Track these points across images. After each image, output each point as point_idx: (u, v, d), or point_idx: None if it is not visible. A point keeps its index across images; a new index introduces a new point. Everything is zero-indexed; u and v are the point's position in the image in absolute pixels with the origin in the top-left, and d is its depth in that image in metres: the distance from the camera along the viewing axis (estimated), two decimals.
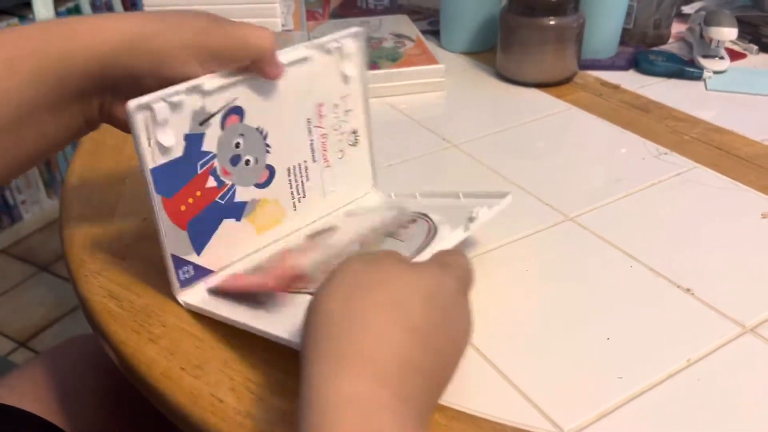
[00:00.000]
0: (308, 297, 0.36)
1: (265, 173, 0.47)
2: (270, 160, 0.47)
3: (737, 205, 0.55)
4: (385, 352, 0.29)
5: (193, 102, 0.41)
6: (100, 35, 0.39)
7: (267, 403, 0.38)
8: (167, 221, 0.42)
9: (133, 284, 0.47)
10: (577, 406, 0.37)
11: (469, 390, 0.39)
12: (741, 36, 0.83)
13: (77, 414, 0.56)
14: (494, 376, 0.39)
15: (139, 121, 0.39)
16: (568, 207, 0.54)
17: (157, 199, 0.41)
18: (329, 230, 0.50)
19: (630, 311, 0.44)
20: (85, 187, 0.59)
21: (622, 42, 0.82)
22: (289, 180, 0.48)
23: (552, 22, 0.72)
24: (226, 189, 0.44)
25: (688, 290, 0.46)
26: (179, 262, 0.43)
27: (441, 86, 0.75)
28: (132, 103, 0.38)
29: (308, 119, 0.48)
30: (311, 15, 0.91)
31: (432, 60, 0.76)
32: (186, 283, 0.44)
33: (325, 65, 0.48)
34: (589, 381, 0.39)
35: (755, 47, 0.84)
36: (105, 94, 0.41)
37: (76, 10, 1.91)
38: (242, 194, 0.45)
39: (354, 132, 0.52)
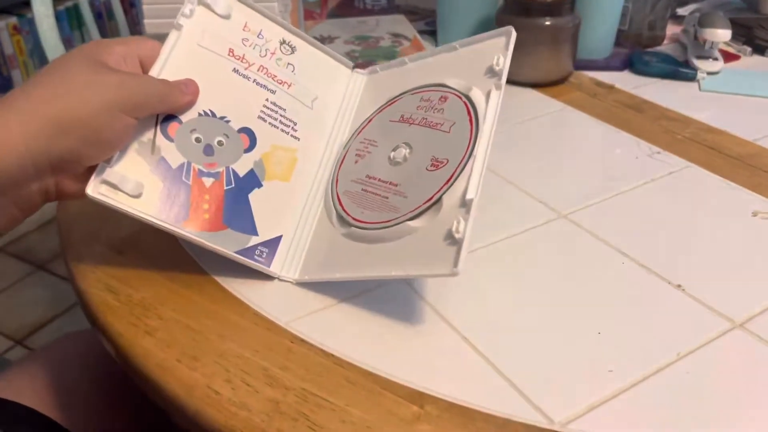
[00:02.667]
0: (406, 225, 0.42)
1: (244, 137, 0.47)
2: (237, 124, 0.47)
3: (728, 204, 0.55)
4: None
5: (130, 146, 0.44)
6: (14, 128, 0.39)
7: (262, 395, 0.38)
8: (206, 234, 0.44)
9: (131, 278, 0.47)
10: (568, 398, 0.38)
11: (461, 382, 0.39)
12: (735, 38, 0.83)
13: (74, 408, 0.56)
14: (486, 368, 0.40)
15: (106, 196, 0.42)
16: (561, 205, 0.55)
17: (181, 229, 0.44)
18: (358, 139, 0.51)
19: (621, 306, 0.45)
20: None
21: (617, 43, 0.83)
22: (269, 124, 0.49)
23: (547, 23, 0.73)
24: (224, 175, 0.46)
25: (679, 286, 0.46)
26: (248, 252, 0.45)
27: None
28: (91, 191, 0.42)
29: (233, 69, 0.48)
30: (309, 14, 0.91)
31: None
32: (268, 260, 0.46)
33: (202, 23, 0.48)
34: (580, 374, 0.40)
35: (749, 49, 0.84)
36: (43, 179, 0.41)
37: (75, 10, 1.91)
38: (241, 167, 0.47)
39: (282, 42, 0.51)
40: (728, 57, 0.82)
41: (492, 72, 0.46)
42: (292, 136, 0.49)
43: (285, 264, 0.47)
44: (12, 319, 1.57)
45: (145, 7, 0.65)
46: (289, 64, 0.51)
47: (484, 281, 0.47)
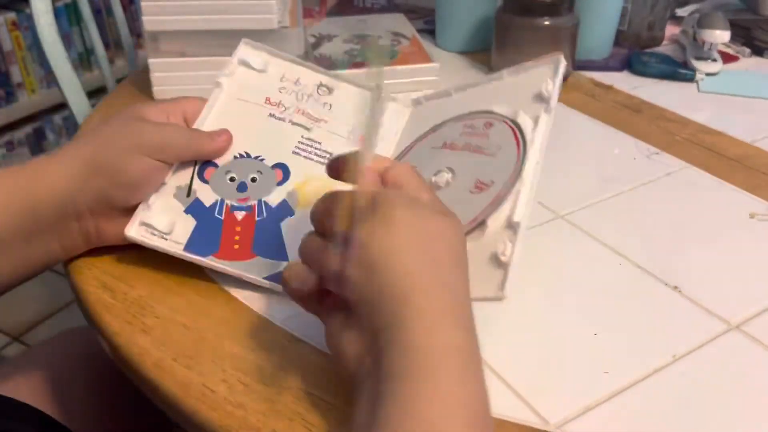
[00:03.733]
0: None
1: (278, 171, 0.49)
2: (271, 161, 0.49)
3: (726, 205, 0.55)
4: (464, 304, 0.34)
5: (167, 192, 0.47)
6: (55, 168, 0.45)
7: (257, 394, 0.38)
8: (235, 264, 0.45)
9: (127, 276, 0.47)
10: (564, 399, 0.38)
11: None
12: (734, 39, 0.83)
13: (70, 405, 0.56)
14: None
15: (144, 236, 0.46)
16: (559, 205, 0.55)
17: (210, 261, 0.45)
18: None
19: (617, 308, 0.45)
20: None
21: (616, 43, 0.83)
22: (303, 157, 0.50)
23: (547, 23, 0.73)
24: (256, 207, 0.48)
25: (676, 288, 0.46)
26: (277, 277, 0.45)
27: (435, 85, 0.76)
28: (130, 233, 0.46)
29: (270, 114, 0.51)
30: (308, 12, 0.91)
31: (427, 59, 0.76)
32: None
33: (241, 79, 0.52)
34: (576, 375, 0.40)
35: (748, 50, 0.84)
36: (83, 220, 0.45)
37: (74, 6, 1.91)
38: (274, 198, 0.48)
39: (319, 85, 0.53)
40: (727, 58, 0.82)
41: (540, 98, 0.45)
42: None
43: None
44: (9, 315, 1.57)
45: (143, 4, 0.65)
46: (326, 104, 0.53)
47: None
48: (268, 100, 0.52)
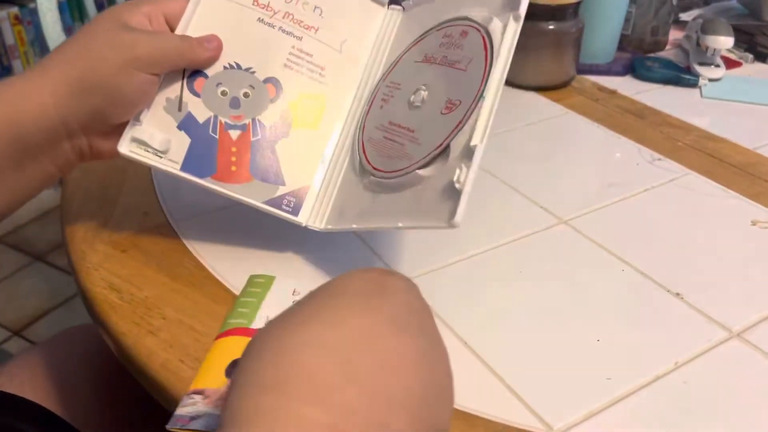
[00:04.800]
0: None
1: (270, 87, 0.47)
2: (263, 74, 0.47)
3: (728, 212, 0.56)
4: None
5: (157, 105, 0.45)
6: (42, 91, 0.42)
7: None
8: (234, 187, 0.45)
9: (134, 277, 0.47)
10: (567, 405, 0.38)
11: (461, 388, 0.39)
12: (737, 44, 0.84)
13: (75, 403, 0.56)
14: (486, 374, 0.40)
15: (137, 153, 0.45)
16: (562, 210, 0.55)
17: (209, 183, 0.45)
18: (385, 83, 0.49)
19: (620, 314, 0.45)
20: (86, 179, 0.60)
21: (620, 48, 0.83)
22: (295, 71, 0.48)
23: (551, 27, 0.73)
24: (251, 127, 0.46)
25: (678, 294, 0.47)
26: (275, 202, 0.45)
27: None
28: (123, 149, 0.44)
29: (258, 19, 0.48)
30: None
31: None
32: (296, 210, 0.46)
33: None
34: (579, 381, 0.40)
35: (751, 56, 0.85)
36: (75, 138, 0.44)
37: (77, 0, 1.91)
38: (268, 117, 0.47)
39: None
40: (730, 64, 0.82)
41: (513, 1, 0.42)
42: (319, 82, 0.49)
43: (312, 214, 0.47)
44: (10, 310, 1.57)
45: None
46: (316, 7, 0.50)
47: (485, 286, 0.47)
48: (256, 1, 0.48)
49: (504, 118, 0.71)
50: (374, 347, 0.27)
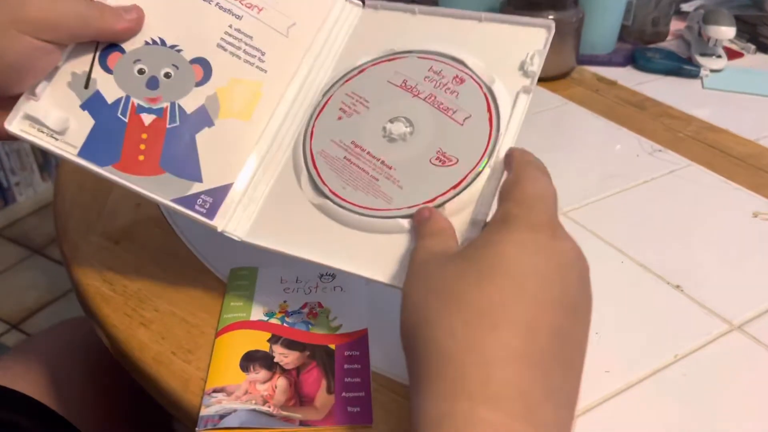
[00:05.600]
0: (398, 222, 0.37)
1: (197, 68, 0.41)
2: (190, 54, 0.41)
3: (729, 204, 0.55)
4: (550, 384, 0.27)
5: (60, 79, 0.39)
6: None
7: None
8: (137, 179, 0.39)
9: (127, 269, 0.47)
10: None
11: None
12: (739, 35, 0.83)
13: (68, 395, 0.56)
14: None
15: (29, 132, 0.39)
16: (560, 202, 0.54)
17: (109, 172, 0.39)
18: (344, 90, 0.43)
19: (619, 306, 0.45)
20: (79, 171, 0.59)
21: (621, 38, 0.82)
22: (229, 53, 0.42)
23: (551, 17, 0.72)
24: (168, 111, 0.40)
25: (678, 287, 0.46)
26: (187, 201, 0.40)
27: None
28: (11, 127, 0.39)
29: None
30: None
31: None
32: (211, 212, 0.40)
33: None
34: None
35: (753, 47, 0.84)
36: None
37: None
38: (190, 102, 0.41)
39: None
40: (732, 54, 0.81)
41: (523, 70, 0.40)
42: (257, 67, 0.42)
43: (233, 218, 0.40)
44: (8, 303, 1.57)
45: None
46: None
47: None
48: None
49: None
50: (563, 350, 0.28)
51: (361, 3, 0.46)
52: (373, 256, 0.37)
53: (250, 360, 0.39)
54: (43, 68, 0.38)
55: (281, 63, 0.43)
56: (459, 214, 0.37)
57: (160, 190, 0.39)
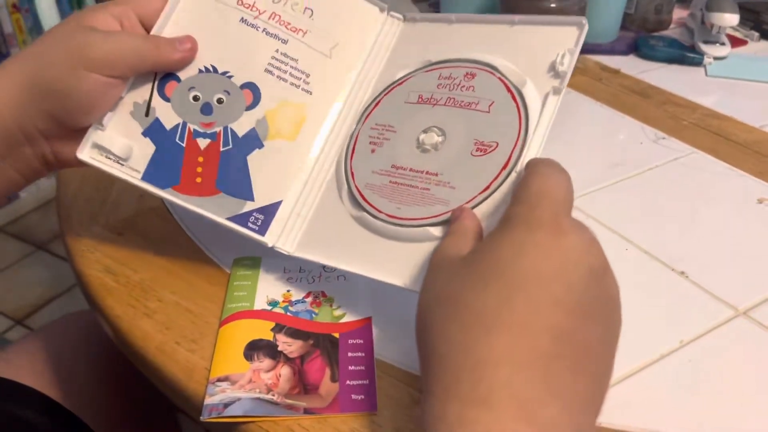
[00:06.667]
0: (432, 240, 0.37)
1: (247, 93, 0.44)
2: (240, 79, 0.44)
3: (734, 191, 0.55)
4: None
5: (123, 109, 0.42)
6: (2, 93, 0.40)
7: None
8: (196, 199, 0.42)
9: (130, 259, 0.47)
10: None
11: None
12: (742, 22, 0.82)
13: (73, 388, 0.56)
14: None
15: (97, 159, 0.42)
16: None
17: (170, 194, 0.42)
18: (367, 125, 0.45)
19: (624, 293, 0.44)
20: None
21: (623, 27, 0.82)
22: (277, 77, 0.44)
23: (553, 5, 0.72)
24: (221, 136, 0.43)
25: (683, 273, 0.46)
26: (240, 219, 0.42)
27: None
28: (82, 155, 0.42)
29: (241, 19, 0.44)
30: None
31: None
32: (263, 229, 0.43)
33: None
34: None
35: (756, 34, 0.83)
36: (36, 144, 0.42)
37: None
38: (241, 126, 0.43)
39: None
40: (735, 42, 0.81)
41: (554, 71, 0.40)
42: (302, 89, 0.45)
43: (282, 234, 0.43)
44: (12, 299, 1.57)
45: None
46: (306, 8, 0.45)
47: None
48: (240, 1, 0.44)
49: None
50: (568, 350, 0.27)
51: (402, 17, 0.48)
52: (404, 264, 0.38)
53: (254, 349, 0.39)
54: (109, 101, 0.41)
55: (325, 83, 0.45)
56: (508, 192, 0.37)
57: (216, 209, 0.42)
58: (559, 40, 0.40)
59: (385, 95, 0.46)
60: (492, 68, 0.42)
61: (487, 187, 0.38)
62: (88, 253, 0.47)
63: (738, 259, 0.47)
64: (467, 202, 0.38)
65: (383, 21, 0.47)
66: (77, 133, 0.42)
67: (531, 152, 0.38)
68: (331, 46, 0.46)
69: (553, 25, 0.41)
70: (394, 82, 0.45)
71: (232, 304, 0.42)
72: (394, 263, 0.39)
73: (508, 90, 0.40)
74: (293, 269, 0.45)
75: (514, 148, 0.38)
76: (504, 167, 0.38)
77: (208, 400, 0.36)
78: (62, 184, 0.56)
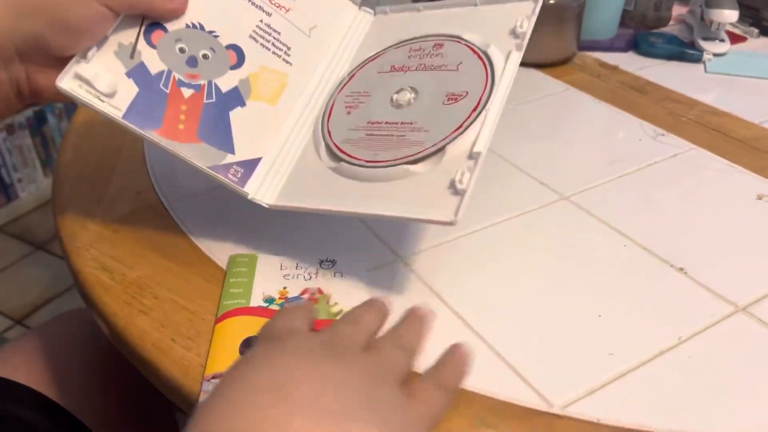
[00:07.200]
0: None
1: (232, 53, 0.46)
2: (225, 40, 0.46)
3: (733, 187, 0.54)
4: None
5: (108, 48, 0.42)
6: None
7: None
8: (178, 144, 0.43)
9: (126, 257, 0.46)
10: (567, 381, 0.37)
11: None
12: (742, 19, 0.82)
13: (69, 386, 0.56)
14: (484, 350, 0.39)
15: (77, 91, 0.41)
16: (563, 186, 0.54)
17: (152, 135, 0.42)
18: (343, 94, 0.48)
19: (622, 289, 0.44)
20: (78, 160, 0.59)
21: (622, 23, 0.81)
22: (260, 44, 0.47)
23: (552, 2, 0.72)
24: (205, 88, 0.44)
25: (681, 269, 0.46)
26: (221, 170, 0.43)
27: None
28: (63, 83, 0.41)
29: None
30: None
31: None
32: (242, 181, 0.44)
33: None
34: (580, 357, 0.39)
35: (756, 30, 0.83)
36: (11, 67, 0.40)
37: None
38: (225, 83, 0.45)
39: None
40: (735, 38, 0.81)
41: (514, 34, 0.44)
42: (284, 60, 0.48)
43: (261, 187, 0.45)
44: (11, 298, 1.57)
45: None
46: None
47: (485, 262, 0.46)
48: None
49: None
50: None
51: (372, 11, 0.53)
52: (380, 198, 0.41)
53: (250, 346, 0.39)
54: (97, 33, 0.41)
55: (304, 58, 0.49)
56: (458, 152, 0.41)
57: (197, 156, 0.43)
58: (518, 14, 0.45)
59: (359, 69, 0.50)
60: (458, 38, 0.47)
61: (460, 126, 0.41)
62: (83, 250, 0.47)
63: (737, 256, 0.47)
64: (442, 140, 0.41)
65: (356, 13, 0.53)
66: (57, 62, 0.41)
67: (499, 94, 0.42)
68: (310, 27, 0.50)
69: (512, 2, 0.47)
70: (367, 59, 0.50)
71: (227, 301, 0.42)
72: (371, 199, 0.41)
73: (474, 52, 0.45)
74: (290, 266, 0.45)
75: (483, 93, 0.42)
76: (474, 109, 0.42)
77: (202, 398, 0.36)
78: (58, 181, 0.56)
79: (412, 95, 0.45)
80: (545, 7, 0.71)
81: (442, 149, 0.41)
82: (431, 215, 0.39)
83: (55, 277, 1.63)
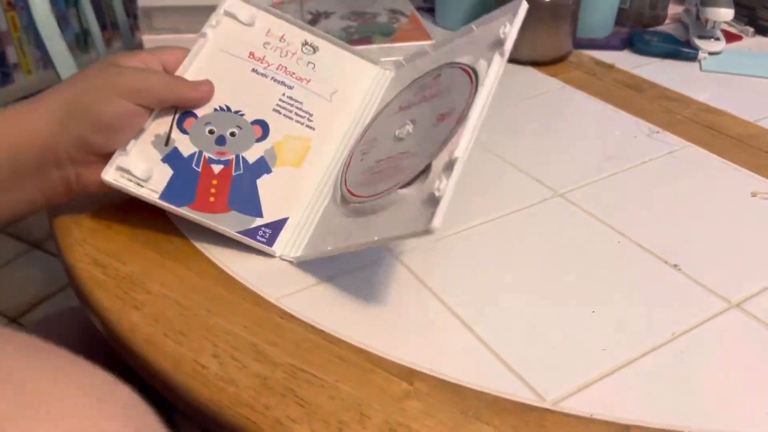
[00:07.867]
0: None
1: (257, 128, 0.49)
2: (251, 117, 0.49)
3: (727, 184, 0.54)
4: None
5: (145, 139, 0.46)
6: (36, 115, 0.44)
7: (250, 370, 0.37)
8: (210, 216, 0.46)
9: (119, 252, 0.46)
10: (560, 376, 0.37)
11: (452, 359, 0.38)
12: (737, 18, 0.82)
13: None
14: (477, 346, 0.39)
15: (120, 181, 0.46)
16: (558, 183, 0.54)
17: (186, 211, 0.45)
18: (360, 144, 0.50)
19: (616, 285, 0.44)
20: None
21: (618, 22, 0.82)
22: (283, 115, 0.50)
23: (547, 0, 0.72)
24: (234, 162, 0.47)
25: (675, 266, 0.46)
26: (251, 233, 0.46)
27: None
28: (107, 176, 0.45)
29: (252, 69, 0.51)
30: None
31: (425, 36, 0.75)
32: (271, 241, 0.46)
33: (227, 30, 0.52)
34: (573, 352, 0.39)
35: (751, 29, 0.83)
36: (63, 167, 0.45)
37: None
38: (252, 154, 0.48)
39: (304, 44, 0.54)
40: (730, 37, 0.81)
41: (498, 42, 0.45)
42: (307, 126, 0.50)
43: (288, 245, 0.46)
44: (7, 297, 1.57)
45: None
46: (310, 63, 0.53)
47: (479, 259, 0.46)
48: (252, 54, 0.51)
49: (499, 93, 0.69)
50: None
51: (393, 68, 0.56)
52: (379, 226, 0.42)
53: None
54: (134, 128, 0.46)
55: (326, 122, 0.52)
56: (442, 165, 0.40)
57: (228, 224, 0.46)
58: (503, 22, 0.46)
59: (375, 120, 0.52)
60: (451, 63, 0.48)
61: (444, 142, 0.42)
62: (77, 246, 0.47)
63: (731, 252, 0.47)
64: (428, 159, 0.42)
65: (376, 72, 0.56)
66: (101, 159, 0.45)
67: (480, 96, 0.42)
68: (331, 92, 0.53)
69: (500, 17, 0.47)
70: (382, 108, 0.52)
71: None
72: (367, 230, 0.42)
73: (464, 71, 0.46)
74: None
75: (466, 104, 0.43)
76: (458, 121, 0.42)
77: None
78: None
79: (410, 127, 0.46)
80: (541, 5, 0.72)
81: (428, 167, 0.41)
82: (409, 229, 0.39)
83: (50, 275, 1.63)
